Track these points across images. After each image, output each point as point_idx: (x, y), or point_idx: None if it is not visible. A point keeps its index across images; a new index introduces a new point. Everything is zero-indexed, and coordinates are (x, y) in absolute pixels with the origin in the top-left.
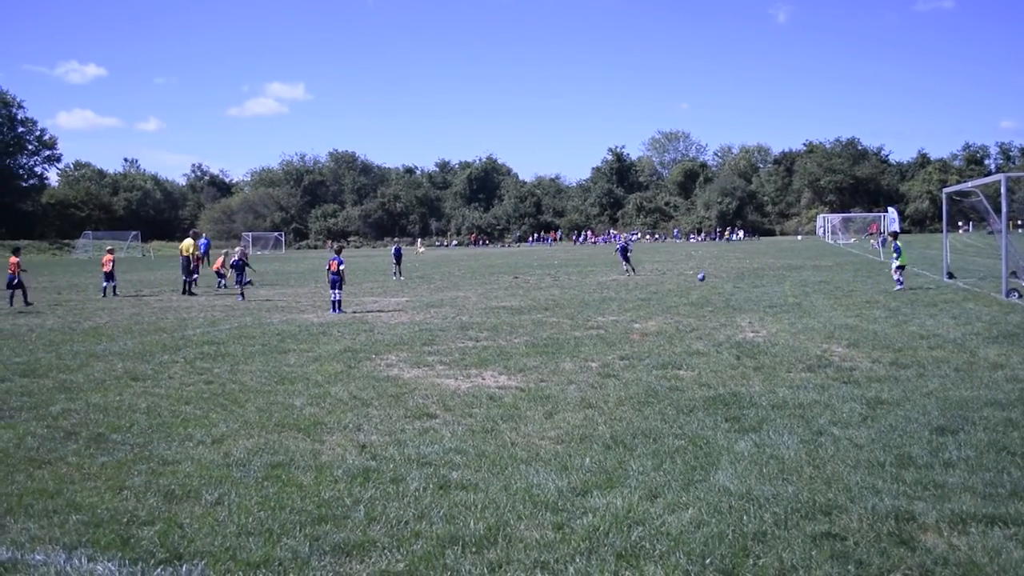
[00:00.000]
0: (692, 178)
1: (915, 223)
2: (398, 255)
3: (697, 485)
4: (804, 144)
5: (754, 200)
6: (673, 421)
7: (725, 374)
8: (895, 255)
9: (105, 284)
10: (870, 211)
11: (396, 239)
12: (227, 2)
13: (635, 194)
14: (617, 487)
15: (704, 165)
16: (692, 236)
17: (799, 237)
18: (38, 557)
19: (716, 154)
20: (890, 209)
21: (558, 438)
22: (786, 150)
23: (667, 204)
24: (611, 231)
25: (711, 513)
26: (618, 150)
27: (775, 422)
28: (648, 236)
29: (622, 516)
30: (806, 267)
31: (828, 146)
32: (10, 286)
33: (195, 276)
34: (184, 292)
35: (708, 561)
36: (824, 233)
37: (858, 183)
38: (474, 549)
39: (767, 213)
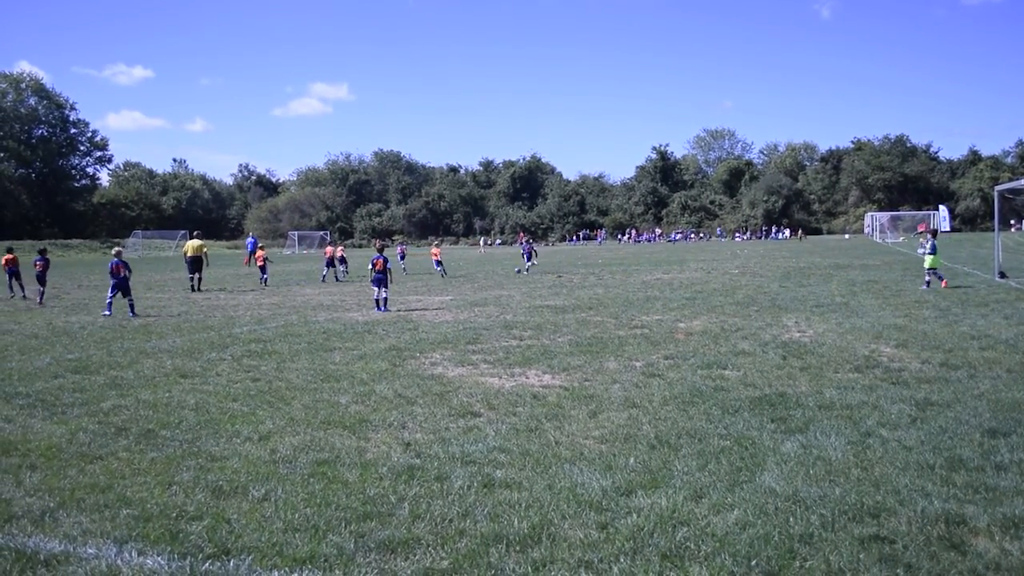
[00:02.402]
0: (737, 176)
1: (965, 221)
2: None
3: (743, 486)
4: (852, 141)
5: (800, 198)
6: (718, 421)
7: (771, 374)
8: (929, 252)
9: (264, 276)
10: (919, 209)
11: (397, 240)
12: (270, 4)
13: (680, 192)
14: (662, 487)
15: (750, 163)
16: (737, 235)
17: (847, 236)
18: (90, 550)
19: (762, 152)
20: (940, 207)
21: (602, 437)
22: (833, 147)
23: (712, 202)
24: (656, 230)
25: (757, 514)
26: (662, 148)
27: (822, 423)
28: (693, 235)
29: (667, 516)
30: (853, 266)
31: (876, 143)
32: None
33: (196, 275)
34: (193, 290)
35: (754, 563)
36: (872, 232)
37: (907, 181)
38: (518, 548)
39: (814, 211)
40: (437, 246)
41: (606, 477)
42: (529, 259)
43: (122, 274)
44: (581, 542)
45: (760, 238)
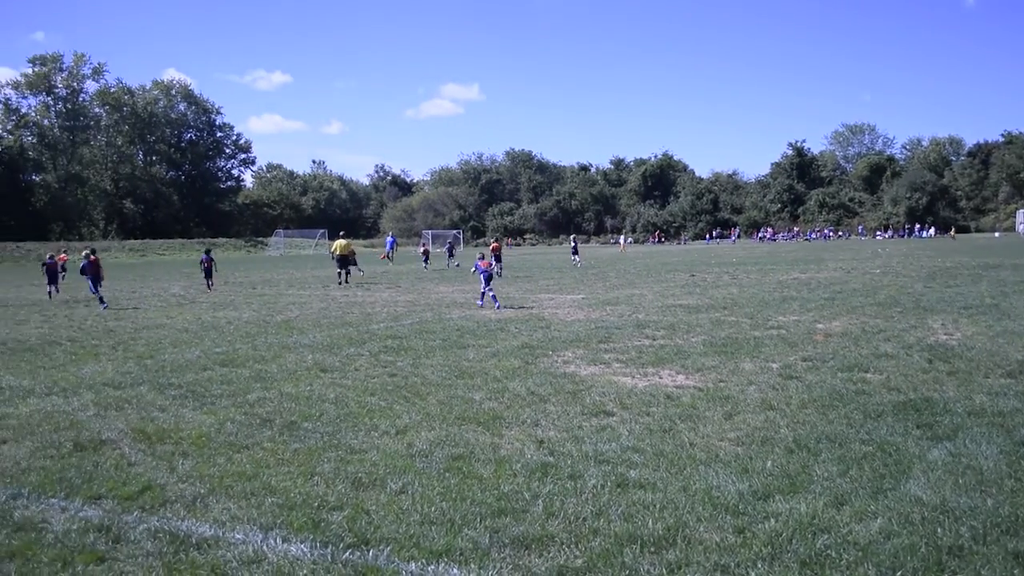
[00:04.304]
0: (878, 172)
1: None
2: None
3: (886, 494)
4: (1001, 135)
5: (946, 195)
6: (860, 426)
7: (916, 378)
8: None
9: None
10: None
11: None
12: (401, 7)
13: (817, 190)
14: (800, 492)
15: (891, 159)
16: (878, 233)
17: (997, 234)
18: (238, 536)
19: (904, 147)
20: None
21: (738, 440)
22: (981, 141)
23: (851, 200)
24: (792, 228)
25: (902, 524)
26: (798, 144)
27: (972, 430)
28: (831, 233)
29: (806, 523)
30: (1004, 266)
31: None
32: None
33: (344, 271)
34: (341, 282)
35: (898, 574)
36: None
37: None
38: (652, 549)
39: (960, 209)
40: (496, 240)
41: (742, 480)
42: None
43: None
44: (717, 546)
45: (903, 236)
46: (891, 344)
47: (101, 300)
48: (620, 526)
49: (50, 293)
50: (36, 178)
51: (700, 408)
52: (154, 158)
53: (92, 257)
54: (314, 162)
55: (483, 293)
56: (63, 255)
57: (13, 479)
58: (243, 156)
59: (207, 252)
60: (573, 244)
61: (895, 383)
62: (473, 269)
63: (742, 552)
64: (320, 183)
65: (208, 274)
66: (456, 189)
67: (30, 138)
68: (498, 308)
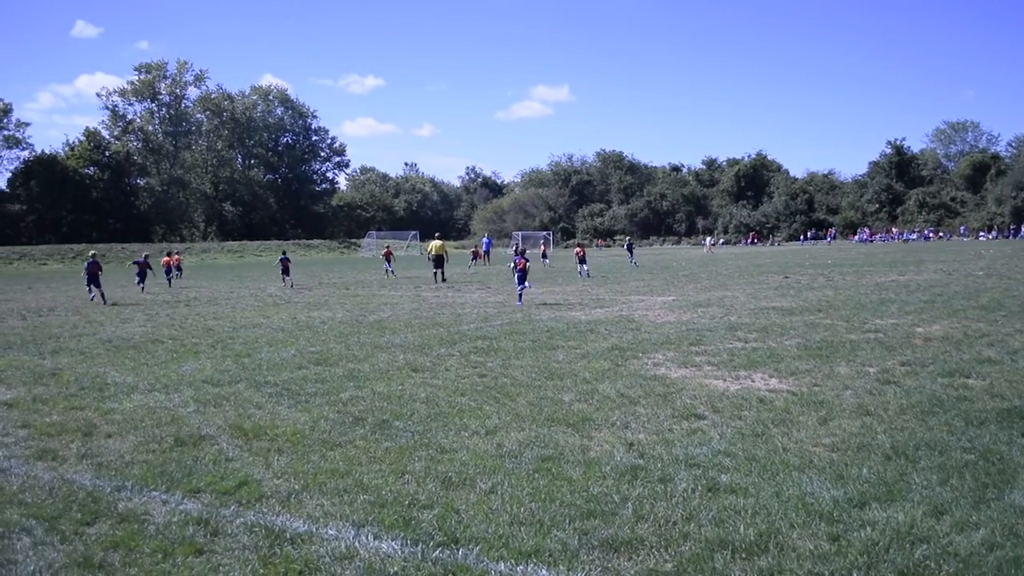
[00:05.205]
0: (982, 171)
1: None
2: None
3: (989, 504)
4: None
5: None
6: (961, 433)
7: (1021, 385)
8: None
9: (389, 267)
10: None
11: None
12: (491, 11)
13: (917, 189)
14: (898, 501)
15: (996, 157)
16: (981, 234)
17: None
18: (330, 532)
19: (1010, 144)
20: None
21: (833, 445)
22: None
23: (953, 200)
24: (891, 229)
25: (1006, 535)
26: (898, 143)
27: None
28: (931, 234)
29: (904, 532)
30: None
31: None
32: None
33: (440, 271)
34: (437, 281)
35: None
36: None
37: None
38: (744, 555)
39: None
40: (580, 245)
41: (837, 487)
42: (537, 261)
43: (95, 272)
44: (811, 553)
45: (1007, 237)
46: (994, 349)
47: (102, 296)
48: (711, 531)
49: (142, 288)
50: (140, 182)
51: (794, 412)
52: (252, 161)
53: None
54: (406, 164)
55: (519, 293)
56: (176, 256)
57: (117, 472)
58: (338, 159)
59: (284, 253)
60: (628, 245)
61: (999, 389)
62: (511, 265)
63: (837, 560)
64: (412, 185)
65: (286, 271)
66: (546, 190)
67: (135, 143)
68: (519, 304)
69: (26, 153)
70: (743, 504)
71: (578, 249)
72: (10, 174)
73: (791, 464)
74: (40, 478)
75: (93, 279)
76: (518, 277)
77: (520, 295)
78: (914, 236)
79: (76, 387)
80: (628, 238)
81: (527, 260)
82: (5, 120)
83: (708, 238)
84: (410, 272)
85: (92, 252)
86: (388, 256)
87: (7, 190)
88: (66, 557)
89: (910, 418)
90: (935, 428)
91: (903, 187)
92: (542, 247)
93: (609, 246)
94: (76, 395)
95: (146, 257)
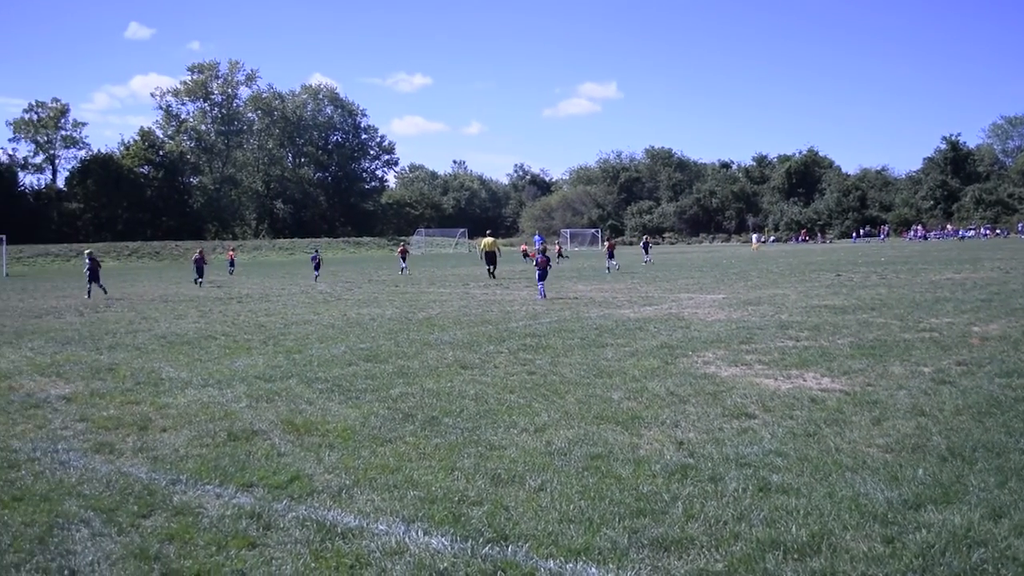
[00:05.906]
0: None
1: None
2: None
3: None
4: None
5: None
6: (1020, 435)
7: None
8: None
9: (403, 265)
10: None
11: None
12: (538, 7)
13: (973, 186)
14: (954, 503)
15: None
16: None
17: None
18: (381, 527)
19: None
20: None
21: (887, 446)
22: None
23: (1010, 196)
24: (947, 226)
25: None
26: (953, 138)
27: None
28: (988, 231)
29: (960, 535)
30: None
31: None
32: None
33: (492, 267)
34: (491, 276)
35: None
36: None
37: None
38: (796, 556)
39: None
40: (610, 240)
41: (892, 488)
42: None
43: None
44: (864, 555)
45: None
46: None
47: (103, 289)
48: (762, 531)
49: (199, 283)
50: (193, 181)
51: (846, 412)
52: (302, 160)
53: (92, 258)
54: (455, 162)
55: (540, 289)
56: (232, 252)
57: (172, 465)
58: (387, 157)
59: (316, 251)
60: (644, 243)
61: None
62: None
63: (891, 563)
64: (460, 183)
65: (317, 267)
66: (595, 188)
67: (188, 143)
68: (540, 297)
69: (83, 153)
70: (795, 504)
71: (608, 243)
72: (68, 173)
73: (844, 464)
74: (98, 471)
75: (94, 275)
76: (539, 274)
77: (542, 290)
78: (970, 233)
79: (132, 382)
80: (644, 237)
81: (548, 259)
82: (62, 120)
83: (755, 235)
84: (459, 270)
85: (88, 251)
86: (404, 254)
87: (65, 189)
88: (123, 548)
89: (966, 419)
90: (992, 429)
91: (959, 183)
92: (558, 246)
93: (658, 243)
94: (132, 390)
95: (201, 252)
